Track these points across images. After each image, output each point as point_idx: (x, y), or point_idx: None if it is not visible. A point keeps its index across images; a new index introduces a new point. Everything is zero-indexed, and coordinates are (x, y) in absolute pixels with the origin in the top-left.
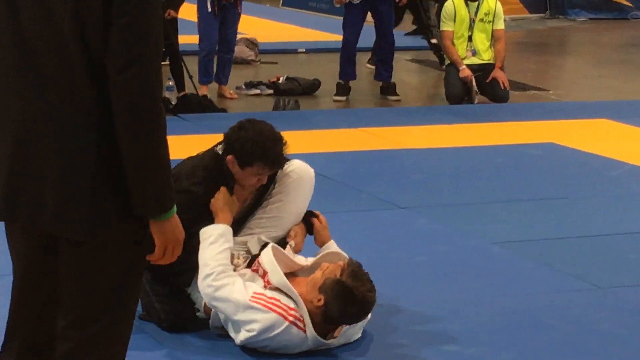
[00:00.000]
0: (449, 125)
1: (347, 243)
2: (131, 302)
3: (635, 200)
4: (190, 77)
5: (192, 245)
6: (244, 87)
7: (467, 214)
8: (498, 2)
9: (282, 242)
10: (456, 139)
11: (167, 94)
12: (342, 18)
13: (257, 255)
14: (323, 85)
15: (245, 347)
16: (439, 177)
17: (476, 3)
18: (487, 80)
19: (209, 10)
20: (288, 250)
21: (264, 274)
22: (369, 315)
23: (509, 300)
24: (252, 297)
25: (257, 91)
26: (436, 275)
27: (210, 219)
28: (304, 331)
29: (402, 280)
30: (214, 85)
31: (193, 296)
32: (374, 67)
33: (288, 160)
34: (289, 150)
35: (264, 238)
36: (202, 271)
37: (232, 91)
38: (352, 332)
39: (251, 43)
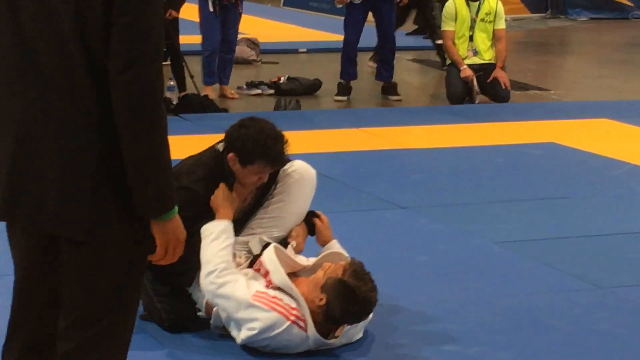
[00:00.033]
0: (450, 125)
1: (347, 243)
2: (132, 302)
3: (635, 199)
4: (192, 77)
5: (192, 245)
6: (245, 87)
7: (468, 214)
8: (499, 2)
9: (284, 243)
10: (457, 138)
11: (168, 94)
12: (343, 18)
13: (259, 256)
14: (324, 85)
15: (247, 347)
16: (440, 177)
17: (477, 3)
18: (488, 80)
19: (211, 10)
20: (289, 250)
21: (266, 274)
22: (371, 315)
23: (510, 300)
24: (254, 295)
25: (258, 91)
26: (437, 275)
27: (211, 218)
28: (305, 331)
29: (402, 280)
30: (215, 85)
31: (194, 296)
32: (375, 65)
33: (290, 160)
34: (290, 149)
35: (265, 238)
36: (205, 268)
37: (233, 91)
38: (354, 332)
39: (252, 43)
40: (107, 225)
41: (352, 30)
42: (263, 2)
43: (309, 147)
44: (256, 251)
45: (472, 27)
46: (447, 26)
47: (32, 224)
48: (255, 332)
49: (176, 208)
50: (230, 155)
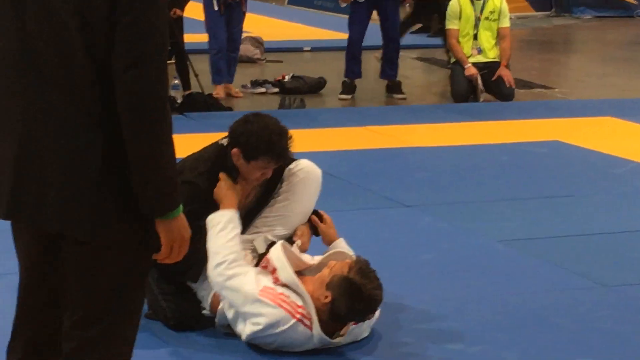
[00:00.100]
0: (454, 124)
1: (352, 241)
2: (133, 302)
3: (639, 198)
4: (196, 75)
5: (197, 241)
6: (249, 85)
7: (472, 212)
8: (503, 1)
9: (289, 242)
10: (461, 137)
11: (172, 93)
12: (347, 16)
13: (264, 254)
14: (328, 83)
15: (251, 345)
16: (444, 175)
17: (481, 1)
18: (493, 79)
19: (215, 8)
20: (295, 249)
21: (273, 271)
22: (377, 314)
23: (513, 299)
24: (261, 290)
25: (263, 90)
26: (441, 273)
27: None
28: (311, 329)
29: (406, 278)
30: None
31: (199, 294)
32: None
33: (294, 159)
34: (295, 148)
35: (270, 237)
36: (213, 259)
37: (237, 90)
38: (359, 331)
39: (256, 42)
40: (107, 225)
41: (357, 28)
42: (267, 0)
43: (314, 146)
44: (261, 250)
45: (476, 26)
46: (451, 25)
47: (34, 223)
48: (260, 327)
49: (181, 207)
50: (235, 150)
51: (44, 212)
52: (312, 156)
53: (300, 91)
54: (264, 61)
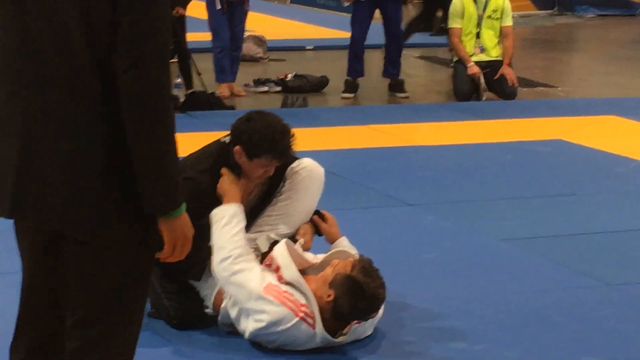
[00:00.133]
0: (457, 122)
1: (355, 240)
2: (135, 302)
3: None
4: (199, 74)
5: (199, 239)
6: (252, 84)
7: (475, 211)
8: None
9: (291, 240)
10: (464, 136)
11: (175, 92)
12: (350, 15)
13: (267, 253)
14: (331, 82)
15: (254, 344)
16: (447, 174)
17: (484, 0)
18: (495, 77)
19: (218, 7)
20: (298, 248)
21: (277, 269)
22: (381, 313)
23: (516, 297)
24: (266, 288)
25: (265, 88)
26: (444, 271)
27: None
28: (314, 328)
29: (409, 277)
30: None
31: (202, 293)
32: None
33: (297, 157)
34: (297, 147)
35: (273, 236)
36: (219, 254)
37: (240, 88)
38: (362, 329)
39: (259, 40)
40: (108, 225)
41: (359, 27)
42: None
43: (316, 145)
44: (264, 249)
45: (479, 24)
46: (454, 23)
47: (37, 222)
48: (262, 324)
49: (184, 206)
50: (237, 148)
51: (44, 212)
52: (315, 155)
53: (303, 90)
54: (267, 60)
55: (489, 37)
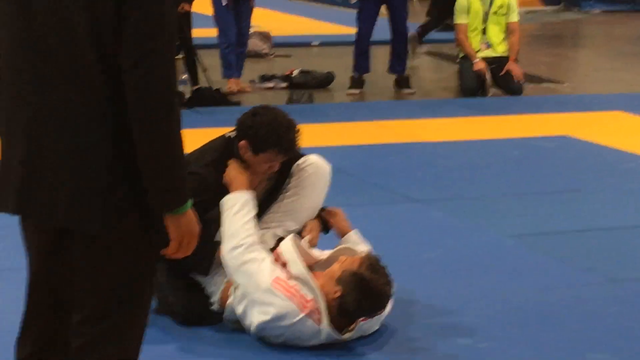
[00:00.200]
0: (463, 118)
1: None
2: (141, 299)
3: None
4: (204, 70)
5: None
6: (257, 80)
7: (481, 208)
8: None
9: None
10: (470, 132)
11: (180, 88)
12: (356, 11)
13: (273, 249)
14: (337, 78)
15: (260, 340)
16: (453, 171)
17: None
18: (501, 73)
19: (224, 3)
20: (304, 244)
21: (284, 265)
22: (387, 310)
23: (522, 294)
24: (274, 280)
25: (271, 84)
26: (448, 268)
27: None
28: (319, 324)
29: (414, 274)
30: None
31: (208, 290)
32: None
33: (303, 154)
34: (303, 143)
35: (279, 232)
36: (230, 242)
37: (246, 84)
38: (368, 325)
39: (264, 36)
40: (114, 222)
41: (365, 23)
42: None
43: (322, 141)
44: (270, 245)
45: (485, 20)
46: (460, 19)
47: (44, 219)
48: (268, 317)
49: (190, 202)
50: (242, 142)
51: (50, 208)
52: (321, 151)
53: (309, 86)
54: (272, 56)
55: (495, 33)
